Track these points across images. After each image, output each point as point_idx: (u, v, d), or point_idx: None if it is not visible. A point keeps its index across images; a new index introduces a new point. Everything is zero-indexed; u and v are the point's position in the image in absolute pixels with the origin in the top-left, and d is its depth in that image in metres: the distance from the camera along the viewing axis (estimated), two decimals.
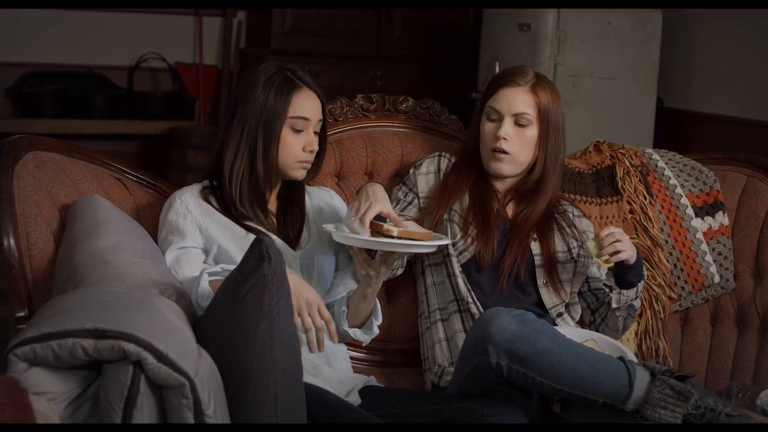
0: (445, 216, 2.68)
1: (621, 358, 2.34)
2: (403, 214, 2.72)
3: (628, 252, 2.54)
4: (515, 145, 2.65)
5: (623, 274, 2.61)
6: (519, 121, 2.65)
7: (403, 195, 2.76)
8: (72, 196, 2.53)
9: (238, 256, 2.45)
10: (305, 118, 2.54)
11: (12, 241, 2.34)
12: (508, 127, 2.64)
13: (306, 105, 2.54)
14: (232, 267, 2.35)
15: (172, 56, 5.95)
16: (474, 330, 2.36)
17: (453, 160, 2.77)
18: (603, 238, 2.53)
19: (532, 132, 2.66)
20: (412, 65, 5.97)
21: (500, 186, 2.74)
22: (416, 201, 2.73)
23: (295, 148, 2.54)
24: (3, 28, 5.64)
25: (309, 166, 2.58)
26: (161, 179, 2.78)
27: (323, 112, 2.59)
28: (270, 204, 2.61)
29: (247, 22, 6.07)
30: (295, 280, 2.27)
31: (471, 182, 2.71)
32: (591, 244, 2.55)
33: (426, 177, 2.75)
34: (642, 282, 2.66)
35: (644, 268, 2.70)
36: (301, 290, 2.30)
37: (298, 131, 2.54)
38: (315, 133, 2.57)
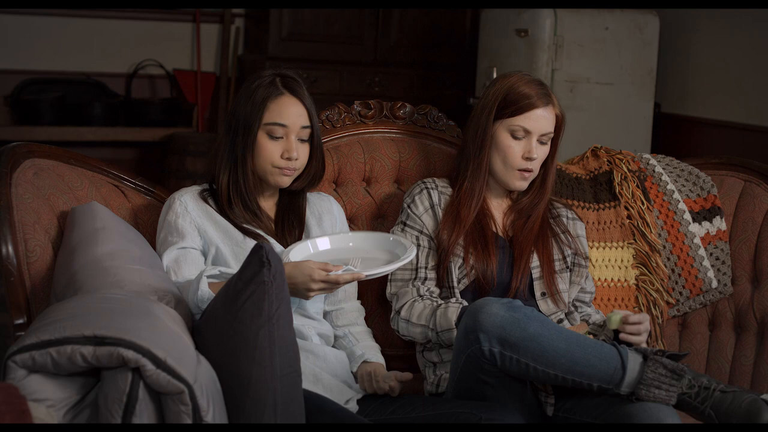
0: None
1: (612, 343, 2.35)
2: (433, 265, 2.67)
3: (642, 343, 2.54)
4: (538, 163, 2.67)
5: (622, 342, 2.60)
6: (542, 140, 2.65)
7: (414, 240, 2.68)
8: (70, 203, 2.54)
9: (232, 260, 2.47)
10: (282, 125, 2.51)
11: (10, 249, 2.34)
12: (537, 147, 2.64)
13: (284, 111, 2.52)
14: (230, 270, 2.35)
15: (170, 63, 5.95)
16: (465, 320, 2.35)
17: (438, 183, 2.73)
18: (632, 323, 2.52)
19: (547, 148, 2.68)
20: (410, 71, 5.97)
21: (495, 203, 2.74)
22: (433, 243, 2.69)
23: (272, 155, 2.51)
24: (1, 36, 5.64)
25: (291, 173, 2.54)
26: (159, 186, 2.79)
27: (311, 119, 2.55)
28: (269, 210, 2.61)
29: (245, 29, 6.07)
30: (287, 271, 2.27)
31: (478, 209, 2.67)
32: (617, 319, 2.53)
33: (427, 214, 2.70)
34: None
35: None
36: (299, 287, 2.30)
37: (275, 138, 2.52)
38: (302, 140, 2.55)
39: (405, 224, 2.72)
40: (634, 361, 2.30)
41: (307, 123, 2.54)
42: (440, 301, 2.61)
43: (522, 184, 2.68)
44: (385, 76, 5.92)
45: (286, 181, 2.55)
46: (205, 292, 2.30)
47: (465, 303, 2.58)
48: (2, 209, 2.37)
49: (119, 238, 2.42)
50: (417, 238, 2.69)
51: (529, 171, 2.65)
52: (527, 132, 2.63)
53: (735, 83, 4.92)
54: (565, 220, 2.78)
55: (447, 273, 2.64)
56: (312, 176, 2.62)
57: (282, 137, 2.52)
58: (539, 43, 4.90)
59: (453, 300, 2.60)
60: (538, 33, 4.90)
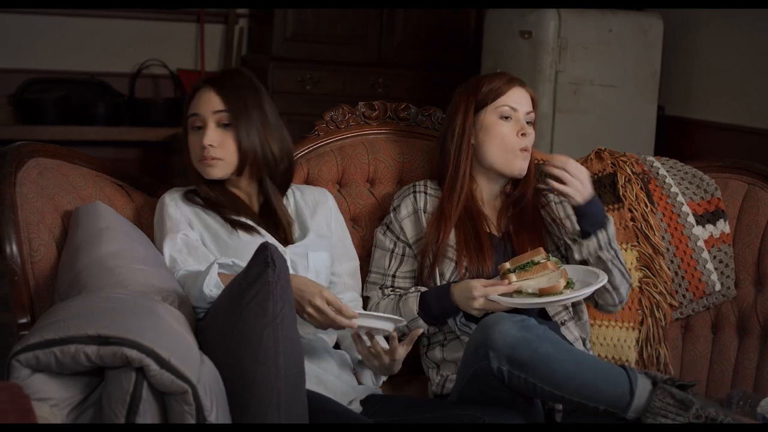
0: None
1: (623, 366, 2.34)
2: (404, 272, 2.71)
3: (570, 189, 2.55)
4: (531, 142, 2.69)
5: (578, 220, 2.62)
6: (528, 120, 2.69)
7: (391, 244, 2.71)
8: (74, 202, 2.54)
9: (217, 255, 2.48)
10: (195, 114, 2.55)
11: (14, 248, 2.35)
12: (527, 126, 2.67)
13: (195, 102, 2.56)
14: (241, 263, 2.33)
15: (173, 63, 5.96)
16: (476, 334, 2.35)
17: (429, 186, 2.75)
18: (554, 161, 2.56)
19: (533, 131, 2.70)
20: (414, 72, 5.97)
21: (488, 203, 2.73)
22: (409, 250, 2.71)
23: (193, 146, 2.56)
24: (5, 35, 5.65)
25: (213, 162, 2.53)
26: (163, 186, 2.79)
27: (228, 103, 2.53)
28: (252, 204, 2.62)
29: (249, 29, 6.07)
30: (296, 283, 2.27)
31: (462, 204, 2.68)
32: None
33: (410, 219, 2.72)
34: (602, 233, 2.62)
35: (611, 222, 2.65)
36: (306, 296, 2.29)
37: (195, 128, 2.55)
38: (222, 126, 2.54)
39: (387, 227, 2.74)
40: (642, 388, 2.29)
41: (219, 107, 2.54)
42: (400, 293, 2.66)
43: (524, 165, 2.68)
44: (389, 77, 5.93)
45: (210, 172, 2.55)
46: (214, 278, 2.30)
47: (423, 289, 2.61)
48: (6, 209, 2.37)
49: (123, 237, 2.42)
50: (394, 244, 2.72)
51: (527, 150, 2.67)
52: (514, 110, 2.66)
53: (739, 86, 4.92)
54: (553, 205, 2.77)
55: (441, 278, 2.63)
56: (251, 162, 2.56)
57: (201, 127, 2.55)
58: (543, 45, 4.90)
59: (412, 290, 2.64)
60: (542, 34, 4.90)
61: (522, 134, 2.65)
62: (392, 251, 2.71)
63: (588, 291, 2.47)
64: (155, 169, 5.67)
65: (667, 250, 2.96)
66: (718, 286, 2.95)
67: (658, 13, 5.09)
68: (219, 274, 2.33)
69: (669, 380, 2.31)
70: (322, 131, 2.90)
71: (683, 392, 2.27)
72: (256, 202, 2.63)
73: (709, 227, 2.98)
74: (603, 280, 2.50)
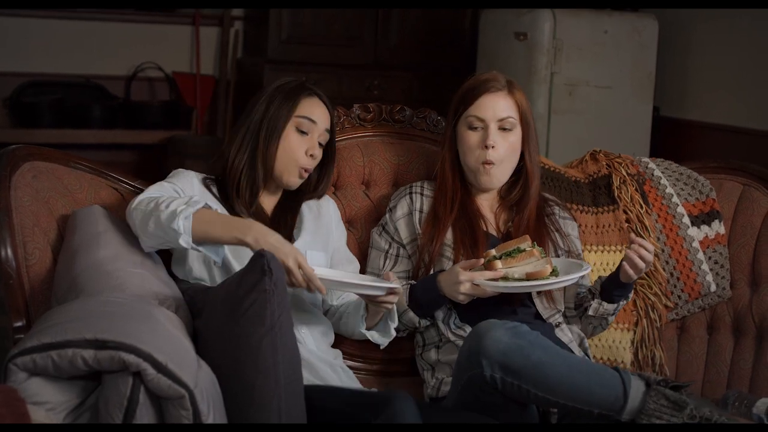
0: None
1: (616, 368, 2.34)
2: (397, 272, 2.70)
3: (640, 269, 2.55)
4: (502, 152, 2.64)
5: (610, 287, 2.62)
6: (503, 126, 2.64)
7: (386, 245, 2.73)
8: (69, 206, 2.54)
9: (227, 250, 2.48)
10: (312, 120, 2.57)
11: (9, 252, 2.34)
12: (494, 134, 2.63)
13: (314, 109, 2.59)
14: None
15: (169, 66, 5.96)
16: (468, 342, 2.35)
17: (425, 188, 2.76)
18: (637, 242, 2.53)
19: (516, 136, 2.66)
20: (409, 74, 5.97)
21: (486, 203, 2.73)
22: (403, 251, 2.72)
23: (297, 149, 2.56)
24: (0, 38, 5.65)
25: (306, 174, 2.58)
26: None
27: (332, 125, 2.62)
28: (267, 206, 2.62)
29: (244, 32, 6.07)
30: (273, 240, 2.27)
31: (457, 207, 2.68)
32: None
33: (404, 220, 2.72)
34: (624, 302, 2.67)
35: (632, 292, 2.71)
36: (279, 254, 2.24)
37: (303, 133, 2.56)
38: (320, 144, 2.59)
39: (383, 228, 2.75)
40: (636, 390, 2.28)
41: (328, 127, 2.62)
42: None
43: (486, 180, 2.66)
44: (384, 79, 5.92)
45: (298, 183, 2.60)
46: (188, 227, 2.27)
47: (413, 282, 2.63)
48: (1, 212, 2.37)
49: (120, 241, 2.42)
50: (389, 244, 2.72)
51: (490, 163, 2.63)
52: (481, 120, 2.64)
53: (734, 86, 4.93)
54: (557, 217, 2.78)
55: None
56: (321, 182, 2.67)
57: (307, 134, 2.57)
58: (538, 47, 4.90)
59: (404, 283, 2.64)
60: (537, 36, 4.90)
61: (485, 146, 2.63)
62: (387, 252, 2.72)
63: (574, 277, 2.49)
64: (150, 172, 5.66)
65: (663, 251, 2.96)
66: (713, 287, 2.96)
67: (652, 14, 5.09)
68: (208, 211, 2.32)
69: (662, 381, 2.30)
70: None
71: (677, 393, 2.27)
72: (271, 204, 2.64)
73: (704, 228, 2.98)
74: (587, 269, 2.53)
